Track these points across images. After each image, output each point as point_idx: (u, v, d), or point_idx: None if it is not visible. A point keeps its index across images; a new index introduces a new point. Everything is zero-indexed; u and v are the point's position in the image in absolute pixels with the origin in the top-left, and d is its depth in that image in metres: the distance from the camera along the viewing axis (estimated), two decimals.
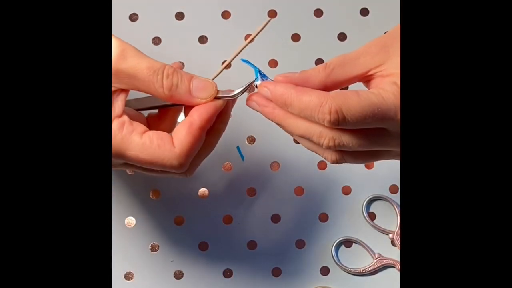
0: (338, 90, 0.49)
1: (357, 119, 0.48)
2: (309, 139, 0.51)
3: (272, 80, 0.53)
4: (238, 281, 0.71)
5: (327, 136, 0.50)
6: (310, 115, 0.49)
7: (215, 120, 0.54)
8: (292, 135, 0.54)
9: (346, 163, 0.53)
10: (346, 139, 0.50)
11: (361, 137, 0.49)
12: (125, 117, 0.52)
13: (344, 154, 0.52)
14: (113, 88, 0.52)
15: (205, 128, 0.53)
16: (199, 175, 0.71)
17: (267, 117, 0.53)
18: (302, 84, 0.51)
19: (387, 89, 0.49)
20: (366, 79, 0.52)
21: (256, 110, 0.53)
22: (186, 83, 0.52)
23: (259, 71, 0.53)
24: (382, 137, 0.50)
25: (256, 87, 0.53)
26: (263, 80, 0.53)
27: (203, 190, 0.71)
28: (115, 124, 0.51)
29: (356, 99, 0.48)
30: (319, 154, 0.53)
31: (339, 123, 0.48)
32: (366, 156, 0.52)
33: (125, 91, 0.53)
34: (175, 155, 0.52)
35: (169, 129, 0.57)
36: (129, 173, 0.70)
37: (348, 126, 0.49)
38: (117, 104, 0.52)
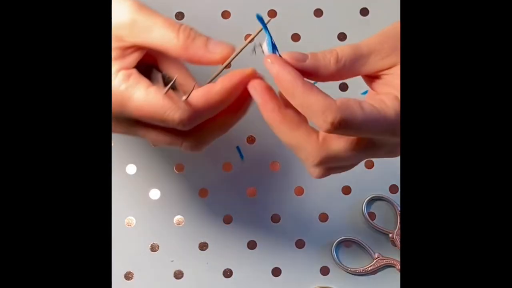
0: (343, 98, 0.48)
1: (356, 133, 0.48)
2: (296, 154, 0.51)
3: (280, 56, 0.50)
4: (238, 281, 0.71)
5: (316, 158, 0.50)
6: (310, 115, 0.48)
7: (237, 104, 0.52)
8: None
9: None
10: (333, 162, 0.50)
11: (350, 153, 0.49)
12: (134, 70, 0.51)
13: (330, 171, 0.52)
14: (128, 44, 0.51)
15: (224, 98, 0.51)
16: (199, 175, 0.71)
17: (263, 114, 0.51)
18: (311, 73, 0.50)
19: (389, 105, 0.48)
20: (371, 76, 0.52)
21: (256, 100, 0.51)
22: (203, 37, 0.52)
23: (271, 40, 0.50)
24: (372, 150, 0.50)
25: (261, 46, 0.51)
26: (273, 51, 0.50)
27: (203, 190, 0.71)
28: (120, 75, 0.50)
29: (361, 113, 0.47)
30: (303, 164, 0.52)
31: (338, 133, 0.48)
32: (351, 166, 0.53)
33: (141, 49, 0.52)
34: (179, 107, 0.49)
35: None
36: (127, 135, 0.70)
37: (345, 136, 0.49)
38: (129, 58, 0.51)
